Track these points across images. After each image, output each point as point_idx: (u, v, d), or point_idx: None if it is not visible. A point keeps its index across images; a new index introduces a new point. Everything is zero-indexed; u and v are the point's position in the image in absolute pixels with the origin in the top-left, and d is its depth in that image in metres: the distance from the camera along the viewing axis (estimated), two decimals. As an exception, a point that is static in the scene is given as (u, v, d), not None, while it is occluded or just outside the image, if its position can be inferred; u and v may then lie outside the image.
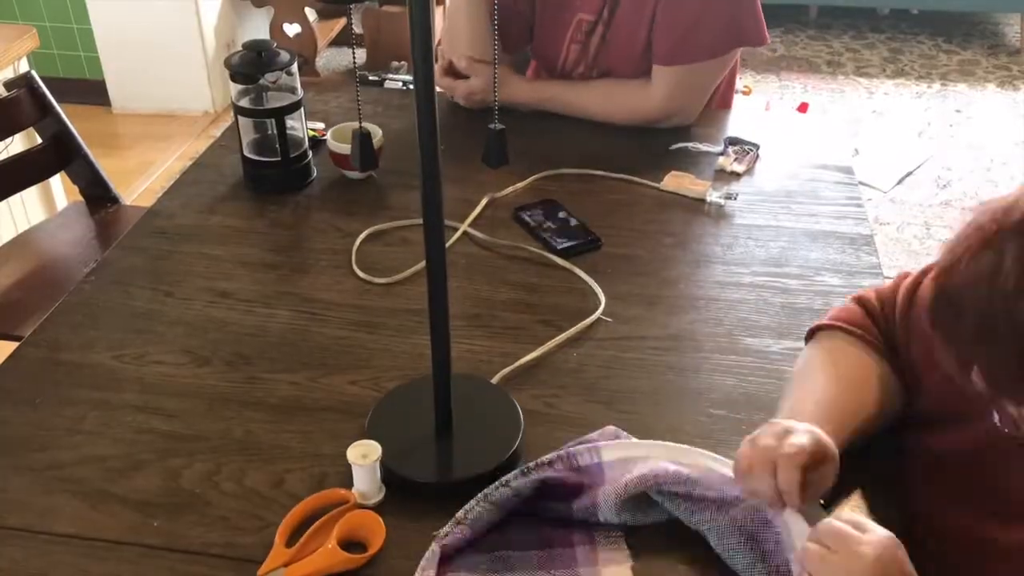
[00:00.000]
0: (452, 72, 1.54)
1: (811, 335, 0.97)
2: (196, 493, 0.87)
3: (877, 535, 0.71)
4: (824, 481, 0.78)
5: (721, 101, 1.64)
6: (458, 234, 1.25)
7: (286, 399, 0.98)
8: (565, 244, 1.22)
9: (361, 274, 1.17)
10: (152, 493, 0.87)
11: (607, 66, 1.50)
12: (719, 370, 1.02)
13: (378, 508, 0.85)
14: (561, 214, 1.28)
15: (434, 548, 0.79)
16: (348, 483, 0.87)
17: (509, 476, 0.84)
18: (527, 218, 1.28)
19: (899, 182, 3.09)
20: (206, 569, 0.80)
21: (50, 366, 1.03)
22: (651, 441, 0.90)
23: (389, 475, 0.87)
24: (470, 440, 0.91)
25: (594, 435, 0.91)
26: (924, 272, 0.89)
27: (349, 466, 0.89)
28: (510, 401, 0.95)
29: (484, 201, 1.31)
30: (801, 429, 0.78)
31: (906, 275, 0.92)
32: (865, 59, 4.09)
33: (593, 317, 1.09)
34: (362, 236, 1.25)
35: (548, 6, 1.52)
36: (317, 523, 0.82)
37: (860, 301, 0.95)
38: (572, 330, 1.07)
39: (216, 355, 1.04)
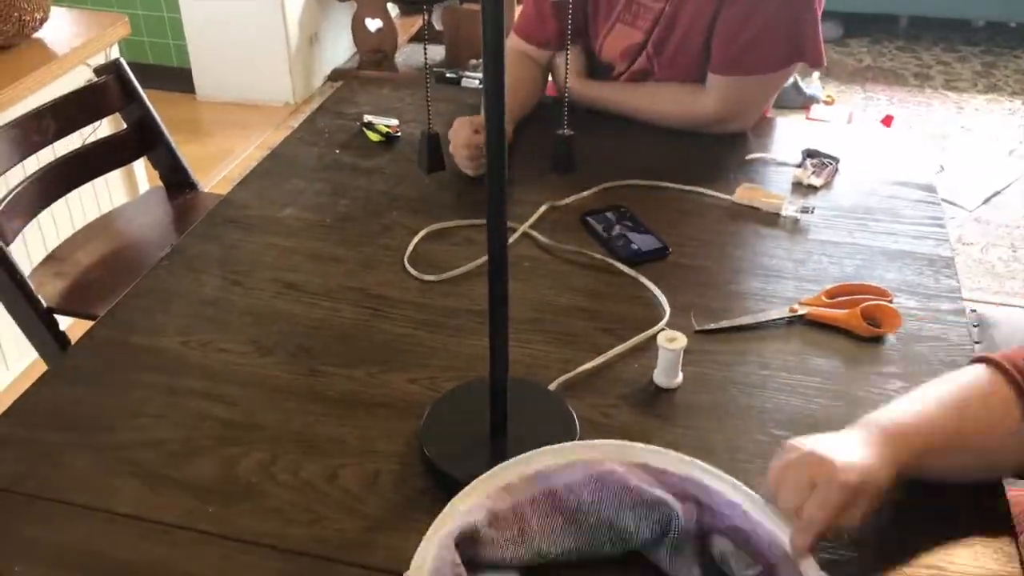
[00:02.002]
0: None
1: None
2: (252, 482, 0.88)
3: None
4: (850, 517, 0.73)
5: None
6: (517, 234, 1.24)
7: (345, 393, 0.99)
8: (632, 251, 1.20)
9: (412, 271, 1.18)
10: (209, 479, 0.88)
11: (664, 60, 1.48)
12: (785, 389, 0.99)
13: (424, 505, 0.85)
14: (629, 221, 1.27)
15: None
16: (400, 481, 0.88)
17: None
18: (594, 223, 1.26)
19: (985, 201, 2.99)
20: (257, 559, 0.80)
21: (120, 348, 1.06)
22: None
23: (441, 476, 0.87)
24: (524, 446, 0.90)
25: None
26: None
27: (401, 464, 0.89)
28: (566, 409, 0.94)
29: (544, 207, 1.30)
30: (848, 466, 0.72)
31: None
32: (956, 72, 3.96)
33: (657, 328, 1.07)
34: (420, 235, 1.25)
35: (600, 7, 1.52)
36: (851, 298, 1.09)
37: None
38: (634, 340, 1.05)
39: (279, 346, 1.06)
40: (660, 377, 1.00)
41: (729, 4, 1.38)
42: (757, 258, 1.22)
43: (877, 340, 1.07)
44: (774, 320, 1.09)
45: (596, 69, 1.59)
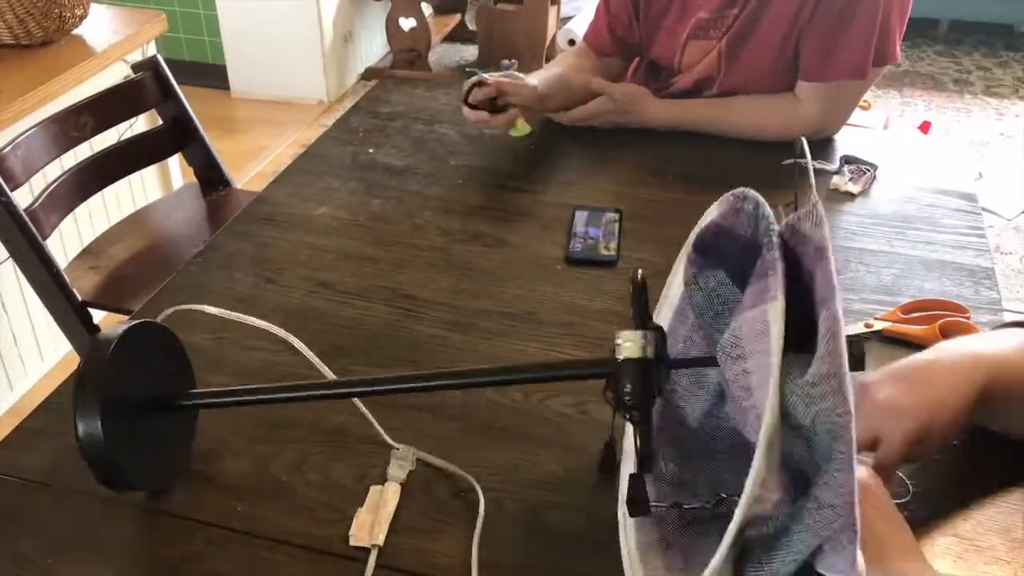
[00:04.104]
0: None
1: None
2: (282, 481, 0.88)
3: None
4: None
5: None
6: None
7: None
8: (574, 252, 1.21)
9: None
10: (240, 477, 0.88)
11: (734, 64, 1.46)
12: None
13: (452, 508, 0.84)
14: (606, 223, 1.26)
15: None
16: (428, 484, 0.87)
17: None
18: (577, 217, 1.27)
19: (1025, 210, 2.94)
20: (286, 558, 0.80)
21: (154, 343, 1.06)
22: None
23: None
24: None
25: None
26: None
27: (431, 468, 0.89)
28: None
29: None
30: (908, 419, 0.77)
31: None
32: (997, 78, 3.90)
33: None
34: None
35: (658, 7, 1.51)
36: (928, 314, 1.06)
37: None
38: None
39: (311, 345, 1.05)
40: None
41: (826, 7, 1.36)
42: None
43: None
44: (849, 335, 1.07)
45: (650, 74, 1.59)
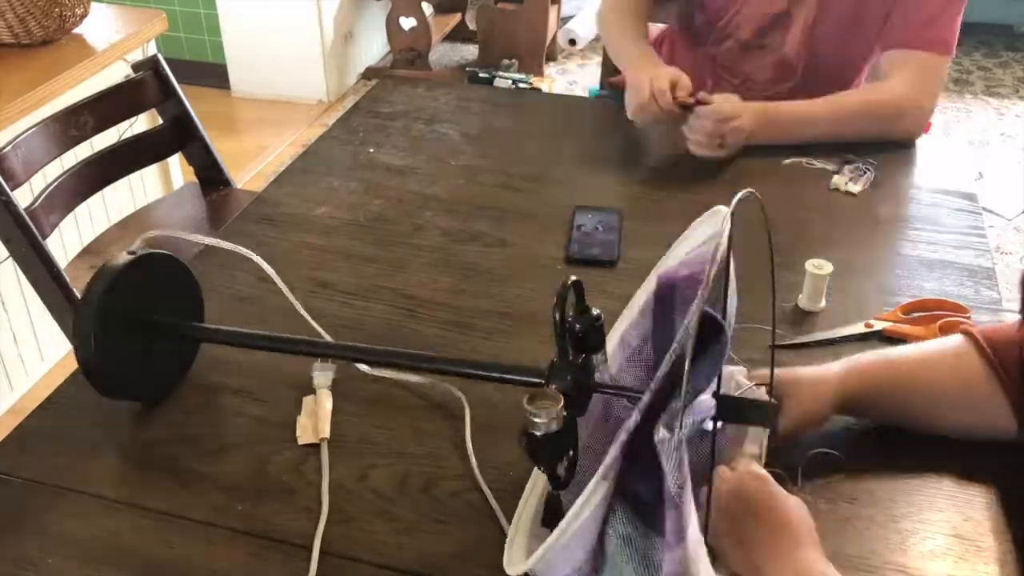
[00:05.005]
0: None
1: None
2: (282, 481, 0.88)
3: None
4: None
5: None
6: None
7: (375, 393, 0.99)
8: (573, 251, 1.21)
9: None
10: (240, 477, 0.88)
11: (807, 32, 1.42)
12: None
13: (453, 508, 0.84)
14: (606, 223, 1.26)
15: None
16: (429, 483, 0.87)
17: None
18: (578, 217, 1.27)
19: (1025, 210, 2.94)
20: (286, 557, 0.80)
21: (154, 343, 1.06)
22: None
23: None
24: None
25: None
26: None
27: (431, 467, 0.89)
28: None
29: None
30: None
31: None
32: (997, 78, 3.90)
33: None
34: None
35: None
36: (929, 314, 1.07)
37: None
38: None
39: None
40: (804, 301, 1.10)
41: None
42: (793, 265, 1.20)
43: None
44: (849, 336, 1.07)
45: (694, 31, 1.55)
